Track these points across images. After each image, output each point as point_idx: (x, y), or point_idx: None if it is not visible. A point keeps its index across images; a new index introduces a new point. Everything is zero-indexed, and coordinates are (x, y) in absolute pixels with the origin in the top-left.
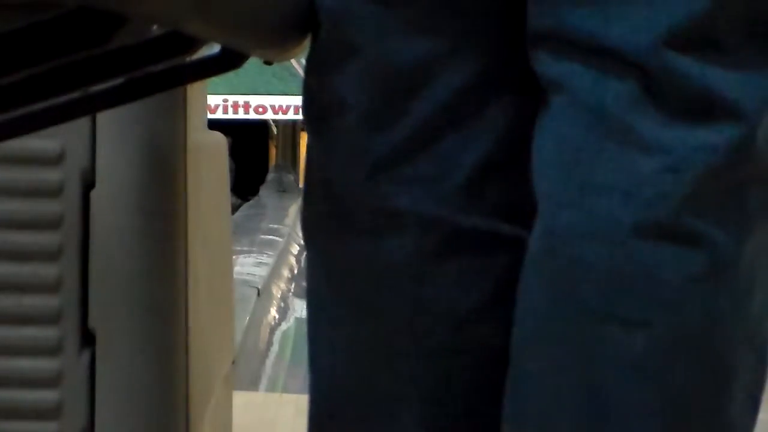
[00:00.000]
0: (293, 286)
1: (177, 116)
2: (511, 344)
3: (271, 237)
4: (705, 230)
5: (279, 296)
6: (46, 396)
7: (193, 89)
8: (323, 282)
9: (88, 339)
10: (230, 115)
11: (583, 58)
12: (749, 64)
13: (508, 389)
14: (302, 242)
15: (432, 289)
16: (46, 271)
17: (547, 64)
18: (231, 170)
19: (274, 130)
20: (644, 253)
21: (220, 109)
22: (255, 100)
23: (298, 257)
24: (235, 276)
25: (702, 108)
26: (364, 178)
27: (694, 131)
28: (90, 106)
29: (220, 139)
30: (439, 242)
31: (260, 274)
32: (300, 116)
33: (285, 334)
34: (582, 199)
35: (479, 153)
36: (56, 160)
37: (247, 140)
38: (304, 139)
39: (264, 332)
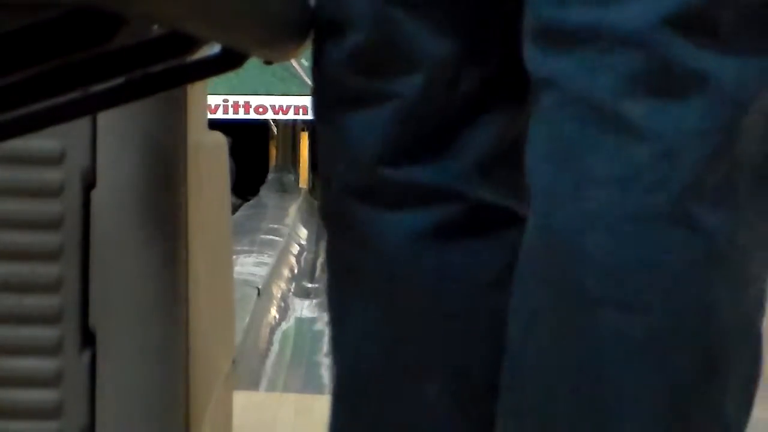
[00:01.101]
0: (293, 286)
1: (177, 116)
2: (507, 336)
3: (271, 237)
4: (701, 216)
5: (279, 296)
6: (46, 396)
7: (193, 89)
8: (346, 261)
9: (88, 339)
10: (230, 115)
11: (574, 49)
12: (745, 50)
13: (503, 379)
14: (302, 242)
15: (455, 256)
16: (47, 271)
17: (538, 62)
18: (231, 170)
19: (275, 130)
20: (644, 239)
21: (220, 109)
22: (255, 100)
23: (298, 257)
24: (235, 276)
25: (696, 91)
26: (389, 160)
27: (687, 115)
28: (90, 106)
29: (220, 139)
30: (460, 213)
31: (260, 274)
32: (300, 116)
33: (285, 334)
34: (578, 192)
35: (493, 139)
36: (56, 160)
37: (247, 140)
38: (304, 140)
39: (264, 332)
